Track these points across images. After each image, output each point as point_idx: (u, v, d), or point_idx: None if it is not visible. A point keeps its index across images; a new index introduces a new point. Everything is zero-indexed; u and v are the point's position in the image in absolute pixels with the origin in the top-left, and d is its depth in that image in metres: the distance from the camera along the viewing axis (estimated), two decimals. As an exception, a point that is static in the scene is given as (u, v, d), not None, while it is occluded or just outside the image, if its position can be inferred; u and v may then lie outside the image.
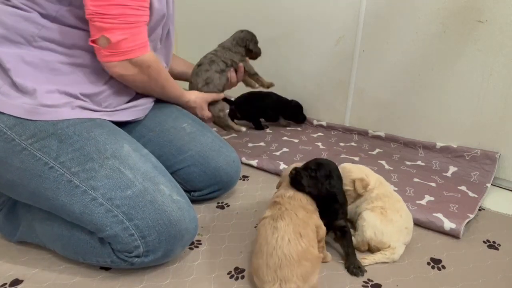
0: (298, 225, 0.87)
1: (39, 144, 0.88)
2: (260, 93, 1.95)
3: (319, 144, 1.81)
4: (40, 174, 0.88)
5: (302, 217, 0.90)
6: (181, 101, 1.27)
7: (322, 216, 0.98)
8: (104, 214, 0.86)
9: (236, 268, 0.96)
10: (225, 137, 1.83)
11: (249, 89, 1.72)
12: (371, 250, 1.04)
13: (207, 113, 1.36)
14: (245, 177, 1.46)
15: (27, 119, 0.87)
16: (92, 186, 0.87)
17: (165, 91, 1.17)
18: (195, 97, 1.32)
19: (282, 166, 1.51)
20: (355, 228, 1.09)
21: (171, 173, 1.16)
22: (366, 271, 0.96)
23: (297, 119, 2.03)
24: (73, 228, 0.92)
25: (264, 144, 1.79)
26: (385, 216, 1.03)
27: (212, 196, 1.26)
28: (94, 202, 0.86)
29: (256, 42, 1.54)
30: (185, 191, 1.20)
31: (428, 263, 1.01)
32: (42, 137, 0.88)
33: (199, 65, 1.41)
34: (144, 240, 0.87)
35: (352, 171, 1.12)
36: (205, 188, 1.23)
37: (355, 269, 0.95)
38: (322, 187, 0.96)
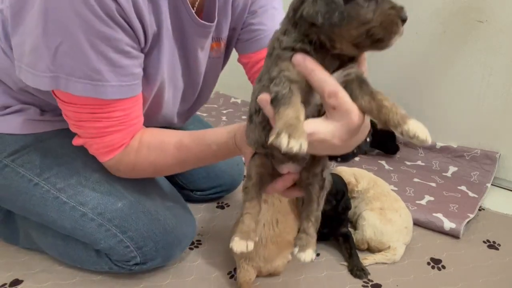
0: (278, 212, 0.93)
1: (21, 160, 0.84)
2: None
3: (319, 144, 1.81)
4: (26, 191, 0.84)
5: (285, 204, 0.94)
6: (230, 149, 0.77)
7: (328, 226, 1.00)
8: (96, 229, 0.84)
9: (236, 268, 0.96)
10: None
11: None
12: (371, 250, 1.04)
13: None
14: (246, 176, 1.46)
15: (6, 134, 0.84)
16: (80, 201, 0.84)
17: (190, 162, 0.83)
18: (240, 135, 0.73)
19: (282, 166, 1.51)
20: (354, 228, 1.09)
21: (175, 175, 1.15)
22: (369, 273, 0.96)
23: (386, 149, 1.62)
24: (67, 237, 0.90)
25: (264, 144, 1.78)
26: (384, 216, 1.03)
27: (214, 197, 1.25)
28: (85, 218, 0.84)
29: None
30: (188, 189, 1.20)
31: (428, 263, 1.01)
32: (24, 152, 0.85)
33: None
34: (140, 250, 0.86)
35: (341, 174, 1.13)
36: (208, 189, 1.22)
37: (358, 271, 0.95)
38: (337, 205, 0.97)
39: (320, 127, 0.54)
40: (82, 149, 0.83)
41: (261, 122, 0.60)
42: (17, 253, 0.99)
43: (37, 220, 0.90)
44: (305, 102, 0.54)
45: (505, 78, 1.41)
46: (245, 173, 0.76)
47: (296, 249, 0.66)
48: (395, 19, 0.50)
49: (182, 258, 0.99)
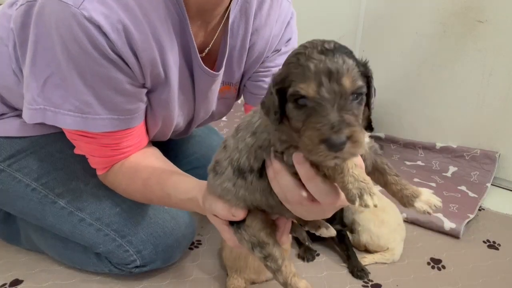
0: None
1: (18, 165, 0.83)
2: None
3: (319, 144, 1.81)
4: (23, 196, 0.84)
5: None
6: (193, 205, 0.72)
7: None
8: (94, 234, 0.84)
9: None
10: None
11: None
12: (369, 251, 1.03)
13: (222, 232, 0.67)
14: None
15: (1, 137, 0.83)
16: (78, 207, 0.84)
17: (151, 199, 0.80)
18: (203, 196, 0.68)
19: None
20: (351, 231, 1.08)
21: None
22: (369, 273, 0.96)
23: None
24: (67, 239, 0.90)
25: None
26: (376, 216, 1.02)
27: None
28: (83, 223, 0.84)
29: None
30: None
31: (428, 263, 1.01)
32: (21, 157, 0.84)
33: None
34: (140, 254, 0.86)
35: None
36: None
37: (359, 272, 0.95)
38: None
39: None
40: (80, 154, 0.83)
41: (266, 186, 0.56)
42: (17, 253, 0.99)
43: (36, 223, 0.90)
44: None
45: (505, 78, 1.41)
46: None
47: (320, 231, 0.71)
48: (313, 144, 0.41)
49: (182, 258, 0.99)
